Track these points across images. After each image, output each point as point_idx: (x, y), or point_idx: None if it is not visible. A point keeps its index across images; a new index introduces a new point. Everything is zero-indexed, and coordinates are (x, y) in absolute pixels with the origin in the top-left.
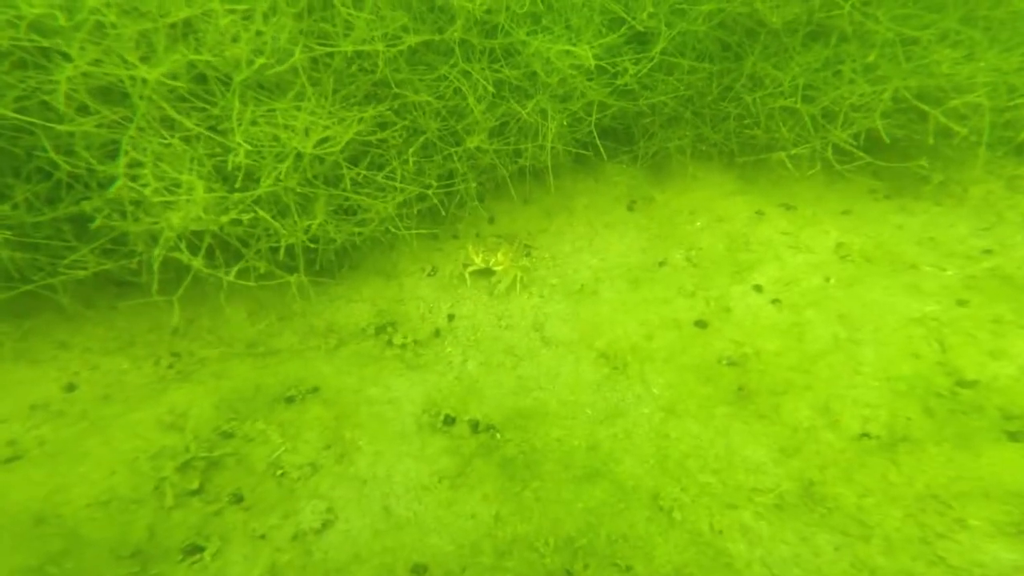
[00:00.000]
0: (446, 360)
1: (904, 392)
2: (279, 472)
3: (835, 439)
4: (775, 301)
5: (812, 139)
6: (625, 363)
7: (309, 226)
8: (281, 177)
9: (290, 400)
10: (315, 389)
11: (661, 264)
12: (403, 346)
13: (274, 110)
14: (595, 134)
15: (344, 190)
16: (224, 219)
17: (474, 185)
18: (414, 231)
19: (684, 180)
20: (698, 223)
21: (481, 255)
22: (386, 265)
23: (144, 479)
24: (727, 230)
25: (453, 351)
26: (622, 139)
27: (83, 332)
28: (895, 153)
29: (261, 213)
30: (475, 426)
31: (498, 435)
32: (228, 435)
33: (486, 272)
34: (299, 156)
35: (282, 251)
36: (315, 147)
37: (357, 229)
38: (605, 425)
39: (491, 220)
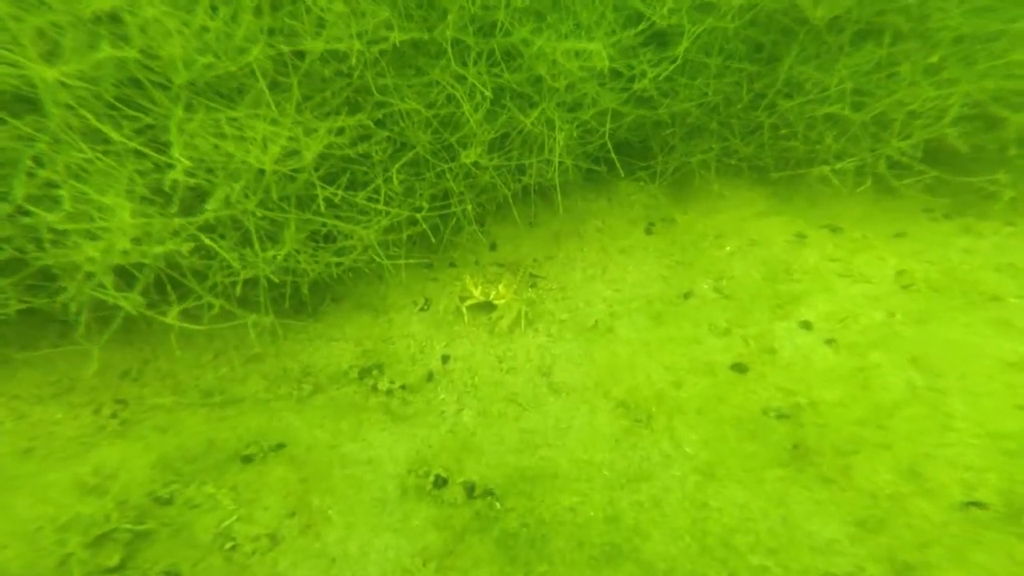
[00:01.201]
0: (438, 409)
1: (1016, 452)
2: (229, 545)
3: (932, 509)
4: (829, 341)
5: (861, 151)
6: (649, 415)
7: (275, 256)
8: (234, 198)
9: (248, 459)
10: (280, 446)
11: (686, 296)
12: (389, 392)
13: (235, 119)
14: (609, 148)
15: (319, 213)
16: (159, 249)
17: (472, 207)
18: (404, 260)
19: (709, 199)
20: (727, 248)
21: (480, 287)
22: (373, 299)
23: (44, 555)
24: (762, 256)
25: (447, 398)
26: (638, 154)
27: (14, 378)
28: (955, 166)
29: (208, 241)
30: (470, 490)
31: (497, 504)
32: (165, 501)
33: (486, 306)
34: (261, 173)
35: (239, 286)
36: (278, 162)
37: (336, 259)
38: (627, 491)
39: (492, 247)
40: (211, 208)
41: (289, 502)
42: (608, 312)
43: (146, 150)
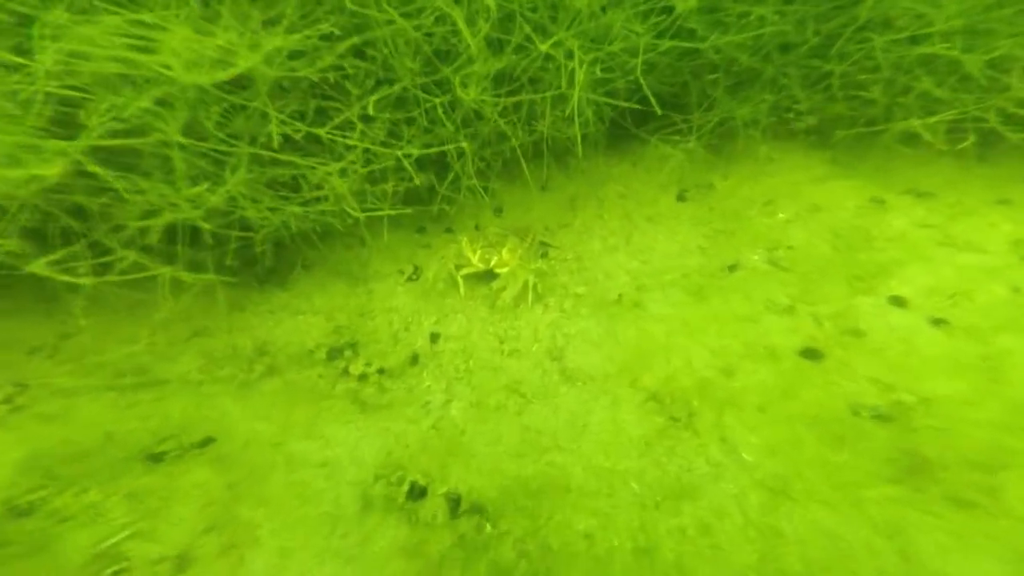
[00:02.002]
0: (422, 399)
1: None
2: (113, 570)
3: None
4: (937, 321)
5: (962, 103)
6: (690, 411)
7: (203, 196)
8: (122, 115)
9: (157, 458)
10: (206, 441)
11: (732, 268)
12: (363, 377)
13: (141, 22)
14: (645, 90)
15: (270, 148)
16: (15, 174)
17: (473, 161)
18: (386, 212)
19: (755, 163)
20: (781, 215)
21: (480, 252)
22: (351, 265)
23: None
24: (830, 223)
25: (433, 386)
26: (671, 108)
27: None
28: None
29: (93, 167)
30: (454, 504)
31: (488, 525)
32: (21, 512)
33: (486, 276)
34: (184, 92)
35: (181, 245)
36: (199, 75)
37: (299, 209)
38: (664, 511)
39: (497, 211)
40: (93, 131)
41: (208, 514)
42: (634, 285)
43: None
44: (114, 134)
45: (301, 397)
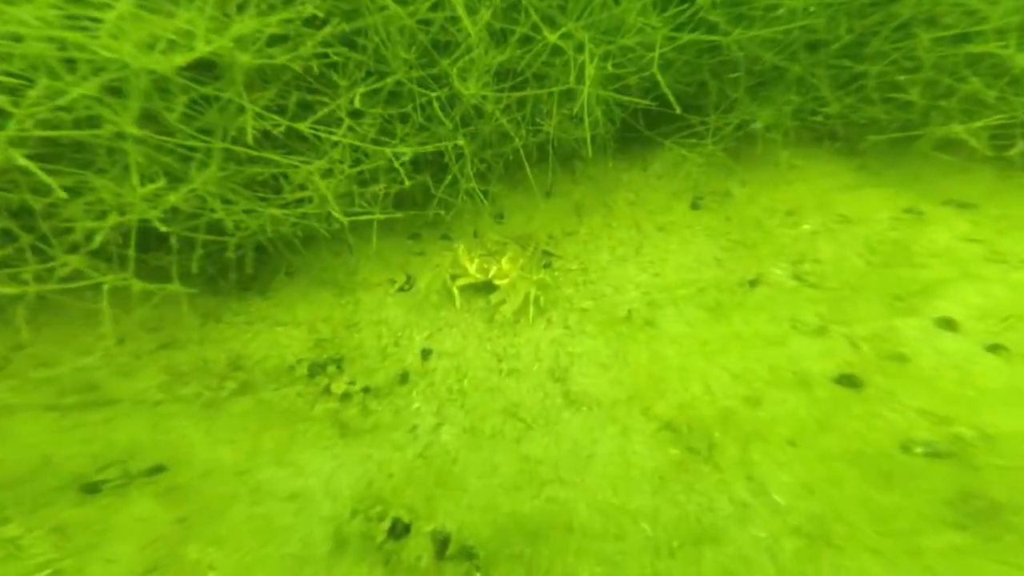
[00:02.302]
0: (409, 423)
1: None
2: None
3: None
4: (994, 347)
5: (1015, 107)
6: (711, 443)
7: (161, 195)
8: (62, 103)
9: (93, 488)
10: (157, 469)
11: (752, 283)
12: (345, 397)
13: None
14: (663, 88)
15: (245, 144)
16: None
17: (473, 163)
18: (375, 215)
19: (775, 170)
20: (806, 225)
21: (477, 261)
22: (338, 273)
23: None
24: (862, 236)
25: (423, 408)
26: (687, 108)
27: None
28: None
29: (15, 154)
30: (441, 546)
31: (478, 573)
32: None
33: (484, 287)
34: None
35: (99, 239)
36: (153, 58)
37: (278, 211)
38: (681, 559)
39: (498, 217)
40: (22, 113)
41: (149, 553)
42: (645, 301)
43: None
44: (58, 125)
45: (275, 418)
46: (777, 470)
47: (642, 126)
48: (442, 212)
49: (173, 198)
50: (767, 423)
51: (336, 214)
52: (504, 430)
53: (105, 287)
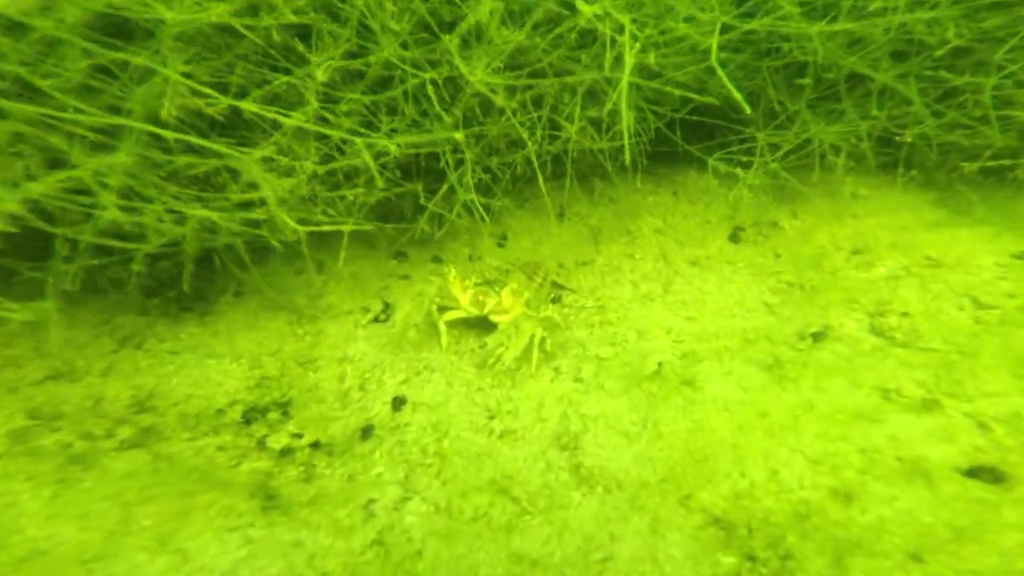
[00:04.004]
0: (365, 495)
1: None
2: None
3: None
4: None
5: None
6: (784, 552)
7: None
8: None
9: None
10: None
11: (817, 337)
12: (285, 454)
13: None
14: (725, 84)
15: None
16: None
17: (473, 170)
18: (348, 228)
19: (836, 200)
20: (880, 268)
21: (472, 292)
22: (298, 296)
23: None
24: (962, 285)
25: (387, 474)
26: (734, 120)
27: None
28: None
29: None
30: None
31: None
32: None
33: (479, 324)
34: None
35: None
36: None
37: (205, 213)
38: None
39: (502, 239)
40: None
41: None
42: (679, 351)
43: None
44: None
45: (172, 482)
46: None
47: (678, 139)
48: (432, 229)
49: (35, 189)
50: (871, 528)
51: (286, 221)
52: (491, 513)
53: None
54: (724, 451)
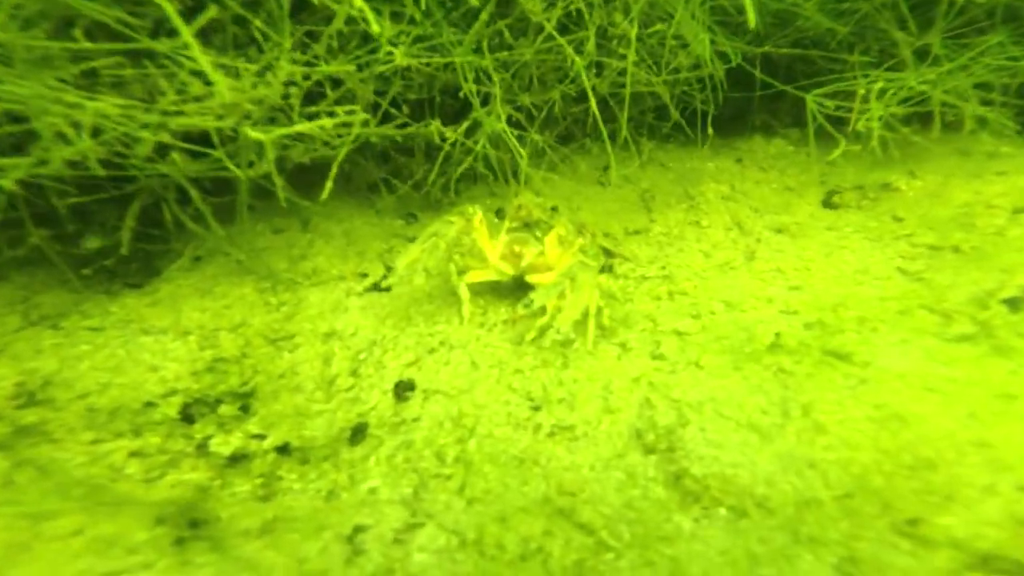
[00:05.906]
0: (350, 521)
1: None
2: None
3: None
4: None
5: None
6: None
7: None
8: None
9: None
10: None
11: (1013, 304)
12: (234, 461)
13: None
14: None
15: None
16: None
17: (501, 106)
18: (339, 156)
19: (966, 159)
20: None
21: (505, 242)
22: (276, 257)
23: None
24: None
25: (385, 491)
26: (829, 60)
27: None
28: None
29: None
30: None
31: None
32: None
33: (513, 288)
34: None
35: None
36: None
37: (104, 106)
38: None
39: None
40: None
41: None
42: (797, 323)
43: None
44: None
45: (26, 501)
46: None
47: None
48: (450, 182)
49: None
50: None
51: (248, 134)
52: (548, 549)
53: None
54: (952, 449)
